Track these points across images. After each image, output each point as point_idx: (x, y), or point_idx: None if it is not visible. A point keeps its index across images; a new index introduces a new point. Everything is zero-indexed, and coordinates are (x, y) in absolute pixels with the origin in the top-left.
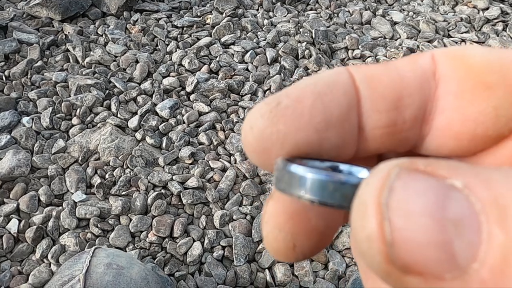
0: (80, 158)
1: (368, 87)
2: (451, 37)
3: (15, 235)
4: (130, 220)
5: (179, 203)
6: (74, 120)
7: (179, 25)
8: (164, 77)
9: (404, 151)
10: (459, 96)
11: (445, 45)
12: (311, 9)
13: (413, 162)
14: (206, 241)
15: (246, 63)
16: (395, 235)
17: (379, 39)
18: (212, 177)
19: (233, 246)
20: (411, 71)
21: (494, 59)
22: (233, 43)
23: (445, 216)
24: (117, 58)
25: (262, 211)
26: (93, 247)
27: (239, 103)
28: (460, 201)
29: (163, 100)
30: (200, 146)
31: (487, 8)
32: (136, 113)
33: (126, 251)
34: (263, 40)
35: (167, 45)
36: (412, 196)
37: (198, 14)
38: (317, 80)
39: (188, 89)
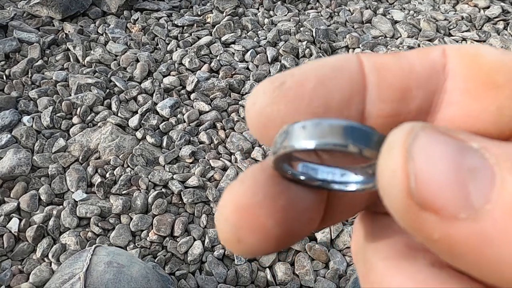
0: (80, 157)
1: (377, 75)
2: (452, 36)
3: (16, 234)
4: (131, 219)
5: (180, 202)
6: (75, 119)
7: (179, 24)
8: (164, 76)
9: None
10: (466, 92)
11: (446, 44)
12: (311, 8)
13: (434, 125)
14: (206, 240)
15: (247, 62)
16: (417, 171)
17: (380, 38)
18: (212, 176)
19: None
20: (422, 64)
21: (506, 61)
22: (233, 42)
23: (462, 163)
24: (118, 57)
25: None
26: (94, 246)
27: (240, 102)
28: (476, 155)
29: (163, 99)
30: (201, 145)
31: (488, 7)
32: (136, 112)
33: (126, 250)
34: (264, 39)
35: (168, 44)
36: (434, 144)
37: (199, 13)
38: (324, 63)
39: (189, 88)
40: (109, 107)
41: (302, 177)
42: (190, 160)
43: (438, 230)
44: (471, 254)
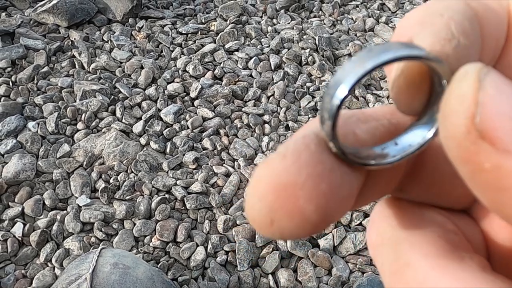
0: (84, 163)
1: (484, 21)
2: None
3: (20, 238)
4: (134, 224)
5: (183, 207)
6: (79, 125)
7: (183, 32)
8: (168, 83)
9: None
10: None
11: None
12: (314, 16)
13: None
14: (209, 246)
15: (250, 69)
16: (485, 100)
17: None
18: (215, 182)
19: (236, 251)
20: (502, 13)
21: None
22: (237, 50)
23: None
24: (122, 64)
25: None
26: (100, 247)
27: (243, 109)
28: None
29: (167, 106)
30: (204, 151)
31: None
32: (140, 118)
33: None
34: (267, 46)
35: (172, 51)
36: (504, 81)
37: (203, 21)
38: (464, 13)
39: (192, 94)
40: (113, 113)
41: (372, 162)
42: (194, 166)
43: (491, 160)
44: None
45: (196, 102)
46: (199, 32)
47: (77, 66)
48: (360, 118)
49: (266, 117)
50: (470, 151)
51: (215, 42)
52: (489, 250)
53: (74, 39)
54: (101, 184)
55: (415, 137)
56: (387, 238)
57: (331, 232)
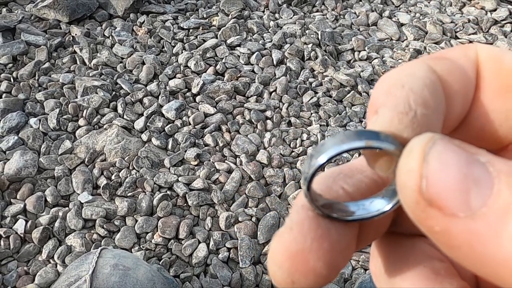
0: (86, 159)
1: (448, 85)
2: (459, 38)
3: (22, 235)
4: (136, 221)
5: (185, 204)
6: (81, 121)
7: (185, 27)
8: (170, 79)
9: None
10: (495, 95)
11: (452, 47)
12: (317, 11)
13: (450, 137)
14: (211, 243)
15: (252, 64)
16: (429, 173)
17: (386, 40)
18: (217, 178)
19: (238, 248)
20: (469, 67)
21: None
22: (239, 45)
23: (469, 173)
24: (124, 59)
25: (269, 248)
26: (100, 248)
27: (245, 105)
28: (482, 167)
29: (169, 102)
30: (206, 147)
31: (495, 9)
32: (142, 115)
33: (131, 252)
34: (269, 41)
35: (173, 46)
36: (448, 153)
37: (204, 16)
38: (425, 80)
39: (194, 90)
40: (115, 109)
41: (335, 215)
42: (195, 163)
43: (440, 224)
44: (465, 248)
45: (197, 98)
46: (201, 27)
47: (78, 62)
48: (346, 173)
49: (268, 113)
50: (421, 218)
51: (217, 37)
52: (477, 276)
53: (75, 34)
54: (103, 181)
55: (381, 204)
56: (382, 270)
57: None
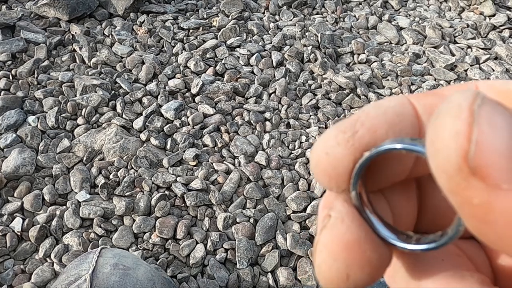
0: (84, 158)
1: (428, 118)
2: (457, 43)
3: (19, 233)
4: (134, 221)
5: (183, 204)
6: (79, 120)
7: (185, 27)
8: (169, 79)
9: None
10: None
11: (451, 51)
12: (317, 13)
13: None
14: (209, 244)
15: (252, 66)
16: (479, 138)
17: (385, 44)
18: (216, 179)
19: (236, 249)
20: None
21: None
22: (238, 46)
23: None
24: (123, 59)
25: (315, 241)
26: (100, 247)
27: (244, 106)
28: None
29: (168, 102)
30: (205, 148)
31: (494, 15)
32: (141, 114)
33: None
34: (269, 43)
35: (173, 46)
36: (497, 113)
37: (205, 16)
38: (386, 109)
39: (193, 91)
40: (114, 108)
41: (380, 231)
42: (194, 163)
43: (480, 195)
44: (502, 224)
45: (197, 99)
46: (201, 28)
47: (77, 61)
48: None
49: (267, 115)
50: (460, 186)
51: (216, 38)
52: (494, 270)
53: (75, 33)
54: (101, 180)
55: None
56: (398, 268)
57: None
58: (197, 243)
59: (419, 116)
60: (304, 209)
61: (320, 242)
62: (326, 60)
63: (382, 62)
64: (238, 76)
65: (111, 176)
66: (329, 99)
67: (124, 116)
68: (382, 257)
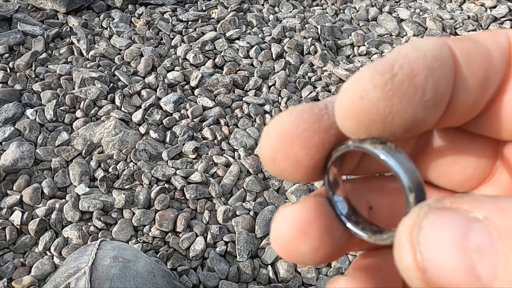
0: (83, 151)
1: (465, 64)
2: (458, 35)
3: (18, 227)
4: (133, 214)
5: (183, 197)
6: (78, 113)
7: (184, 19)
8: (168, 71)
9: (457, 126)
10: None
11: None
12: (317, 5)
13: (441, 201)
14: (209, 236)
15: (251, 58)
16: (426, 264)
17: (385, 36)
18: (215, 172)
19: (236, 242)
20: (496, 50)
21: None
22: (238, 38)
23: (467, 245)
24: (122, 51)
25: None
26: (99, 240)
27: (244, 98)
28: (480, 230)
29: (167, 94)
30: (204, 141)
31: (495, 7)
32: (140, 107)
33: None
34: (268, 35)
35: (172, 39)
36: (439, 230)
37: (203, 8)
38: (425, 52)
39: (193, 83)
40: (112, 101)
41: (335, 203)
42: (193, 156)
43: None
44: None
45: (196, 91)
46: (200, 20)
47: (75, 53)
48: None
49: (267, 107)
50: None
51: (215, 30)
52: None
53: (73, 25)
54: (100, 173)
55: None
56: None
57: None
58: (197, 236)
59: (457, 60)
60: None
61: (270, 123)
62: (326, 52)
63: (383, 54)
64: (238, 68)
65: (110, 169)
66: (329, 91)
67: (123, 109)
68: (313, 158)
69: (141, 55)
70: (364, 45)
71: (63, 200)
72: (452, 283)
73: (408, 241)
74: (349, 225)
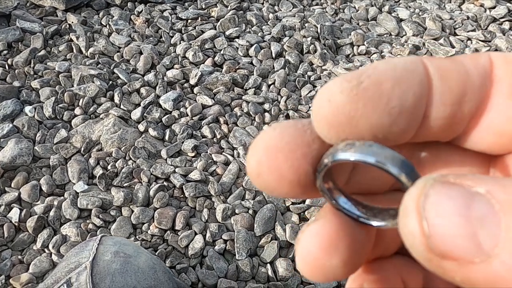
0: (82, 149)
1: (440, 80)
2: (457, 35)
3: (16, 224)
4: (132, 211)
5: (182, 195)
6: (77, 110)
7: (183, 17)
8: (168, 69)
9: (446, 141)
10: (509, 97)
11: (451, 43)
12: (316, 4)
13: (445, 176)
14: (208, 234)
15: (251, 57)
16: (432, 230)
17: (385, 35)
18: (215, 170)
19: (235, 240)
20: (475, 69)
21: None
22: (237, 37)
23: (471, 215)
24: (121, 49)
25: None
26: (100, 235)
27: (243, 97)
28: (483, 203)
29: (166, 92)
30: (203, 139)
31: (494, 7)
32: (139, 105)
33: None
34: (268, 34)
35: (171, 37)
36: (444, 200)
37: (203, 6)
38: (396, 65)
39: (192, 81)
40: (111, 99)
41: (333, 202)
42: (193, 154)
43: (459, 274)
44: None
45: (195, 89)
46: (199, 18)
47: (74, 50)
48: None
49: (266, 106)
50: (439, 271)
51: (215, 29)
52: None
53: (72, 22)
54: (98, 171)
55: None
56: None
57: None
58: (196, 234)
59: (429, 76)
60: (303, 201)
61: (256, 138)
62: (325, 51)
63: (382, 53)
64: (237, 67)
65: (109, 167)
66: None
67: (122, 106)
68: (297, 172)
69: (141, 53)
70: (364, 45)
71: (62, 197)
72: (454, 248)
73: (414, 208)
74: (374, 223)
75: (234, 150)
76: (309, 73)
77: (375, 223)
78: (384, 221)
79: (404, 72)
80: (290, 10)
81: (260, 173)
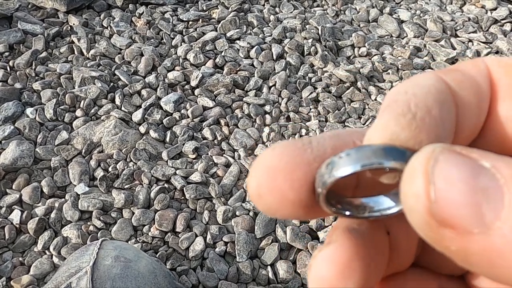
0: (83, 150)
1: (460, 92)
2: (458, 36)
3: (17, 226)
4: (133, 213)
5: (182, 197)
6: (78, 112)
7: (184, 19)
8: (169, 71)
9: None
10: (508, 99)
11: (452, 45)
12: (317, 6)
13: (452, 145)
14: (208, 237)
15: (252, 58)
16: (438, 194)
17: (386, 37)
18: (215, 172)
19: (235, 242)
20: (480, 77)
21: None
22: (238, 38)
23: (476, 185)
24: (122, 50)
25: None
26: (100, 239)
27: (244, 99)
28: (488, 175)
29: (167, 94)
30: (204, 141)
31: (495, 9)
32: (140, 107)
33: None
34: (269, 36)
35: (172, 38)
36: (452, 167)
37: (204, 8)
38: (430, 88)
39: (193, 83)
40: (112, 100)
41: (347, 213)
42: (193, 156)
43: (455, 243)
44: (484, 263)
45: (196, 91)
46: (200, 20)
47: (76, 52)
48: (361, 132)
49: (267, 108)
50: (435, 239)
51: (216, 30)
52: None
53: (73, 24)
54: (99, 173)
55: (389, 204)
56: None
57: (330, 224)
58: (196, 236)
59: (453, 90)
60: None
61: (256, 160)
62: (326, 53)
63: (383, 55)
64: (238, 68)
65: (110, 169)
66: (330, 92)
67: (123, 108)
68: (298, 191)
69: (142, 55)
70: (365, 46)
71: (63, 199)
72: (456, 216)
73: (423, 170)
74: (386, 212)
75: (235, 152)
76: (310, 74)
77: (386, 212)
78: (392, 208)
79: (440, 94)
80: (291, 12)
81: (261, 195)
